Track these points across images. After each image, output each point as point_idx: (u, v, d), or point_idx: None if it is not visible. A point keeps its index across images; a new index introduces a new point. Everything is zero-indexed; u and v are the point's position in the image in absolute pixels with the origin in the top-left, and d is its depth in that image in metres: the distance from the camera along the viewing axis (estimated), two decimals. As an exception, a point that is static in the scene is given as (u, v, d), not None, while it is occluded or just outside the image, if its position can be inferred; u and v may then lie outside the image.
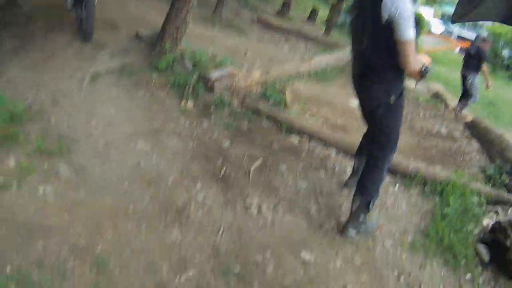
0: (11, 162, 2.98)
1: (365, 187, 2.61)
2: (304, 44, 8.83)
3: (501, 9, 1.82)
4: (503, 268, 2.88)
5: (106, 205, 2.82)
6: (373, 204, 2.68)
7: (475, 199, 3.46)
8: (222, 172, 3.36)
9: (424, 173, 3.58)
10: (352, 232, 2.77)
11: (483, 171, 4.17)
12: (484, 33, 13.69)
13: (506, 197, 3.53)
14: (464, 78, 6.80)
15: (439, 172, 3.67)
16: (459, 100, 6.66)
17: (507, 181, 3.81)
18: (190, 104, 4.25)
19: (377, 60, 2.26)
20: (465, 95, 6.65)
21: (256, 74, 4.94)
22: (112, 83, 4.37)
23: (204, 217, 2.87)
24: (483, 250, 2.98)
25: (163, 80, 4.55)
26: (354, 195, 2.66)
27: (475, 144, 4.64)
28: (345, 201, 3.22)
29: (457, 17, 2.08)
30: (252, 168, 3.45)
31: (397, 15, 2.07)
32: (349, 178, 3.37)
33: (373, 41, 2.24)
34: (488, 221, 3.26)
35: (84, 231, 2.56)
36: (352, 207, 2.69)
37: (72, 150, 3.28)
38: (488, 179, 4.00)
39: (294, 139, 4.01)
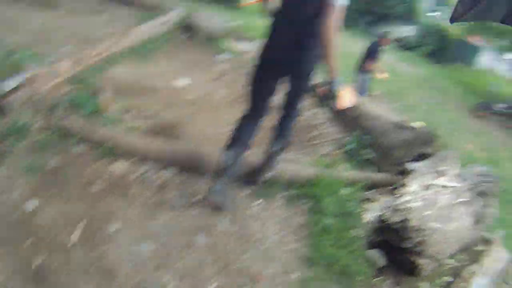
0: None
1: (285, 135, 2.69)
2: (127, 11, 6.79)
3: (501, 10, 1.83)
4: (401, 266, 2.58)
5: None
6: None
7: (348, 191, 2.94)
8: (35, 263, 2.02)
9: (285, 175, 2.86)
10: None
11: (341, 147, 3.71)
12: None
13: (376, 177, 3.13)
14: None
15: (300, 168, 3.00)
16: None
17: (371, 155, 3.40)
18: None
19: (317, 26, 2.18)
20: None
21: (65, 66, 3.41)
22: None
23: None
24: (375, 256, 2.60)
25: None
26: (271, 142, 2.71)
27: (326, 113, 4.14)
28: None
29: (456, 17, 1.97)
30: (70, 245, 2.16)
31: None
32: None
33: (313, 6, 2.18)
34: (369, 216, 2.79)
35: None
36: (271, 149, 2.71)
37: None
38: (349, 156, 3.55)
39: (120, 166, 2.76)
